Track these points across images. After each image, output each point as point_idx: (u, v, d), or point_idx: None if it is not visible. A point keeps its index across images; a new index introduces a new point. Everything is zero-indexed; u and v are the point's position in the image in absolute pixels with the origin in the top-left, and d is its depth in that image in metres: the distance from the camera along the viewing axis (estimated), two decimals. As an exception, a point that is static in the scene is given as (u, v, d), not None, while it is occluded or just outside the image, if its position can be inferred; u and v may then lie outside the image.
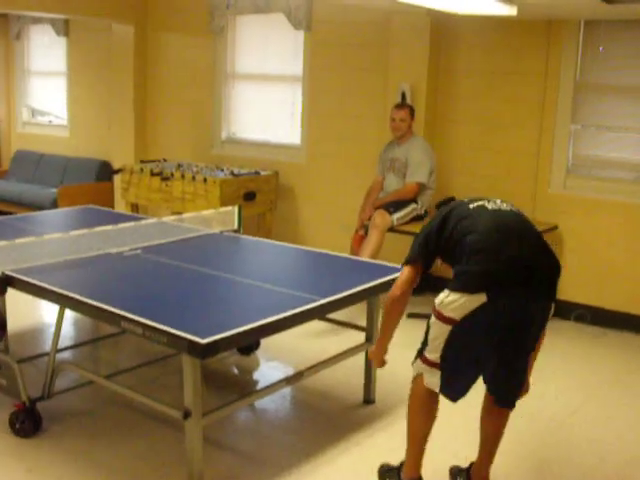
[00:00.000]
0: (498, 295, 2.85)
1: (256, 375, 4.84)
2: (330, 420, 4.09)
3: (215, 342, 2.91)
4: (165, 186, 6.87)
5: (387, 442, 3.75)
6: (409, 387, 3.15)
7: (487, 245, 2.93)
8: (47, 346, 4.04)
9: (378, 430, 3.92)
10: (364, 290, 3.77)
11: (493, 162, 6.20)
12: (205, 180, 6.57)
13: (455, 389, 3.03)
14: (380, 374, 4.17)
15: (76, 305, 3.50)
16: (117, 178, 7.74)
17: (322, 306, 3.46)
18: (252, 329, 3.10)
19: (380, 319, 3.36)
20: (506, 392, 3.13)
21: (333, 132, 6.97)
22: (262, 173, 7.04)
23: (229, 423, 4.00)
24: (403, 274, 3.15)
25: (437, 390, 3.03)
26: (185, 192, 6.72)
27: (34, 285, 3.65)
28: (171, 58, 8.09)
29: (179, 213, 5.86)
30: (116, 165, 7.94)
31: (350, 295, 3.66)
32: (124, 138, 8.36)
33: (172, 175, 6.85)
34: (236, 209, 4.94)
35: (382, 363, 3.42)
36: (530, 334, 3.01)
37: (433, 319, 2.98)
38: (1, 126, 10.06)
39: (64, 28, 9.08)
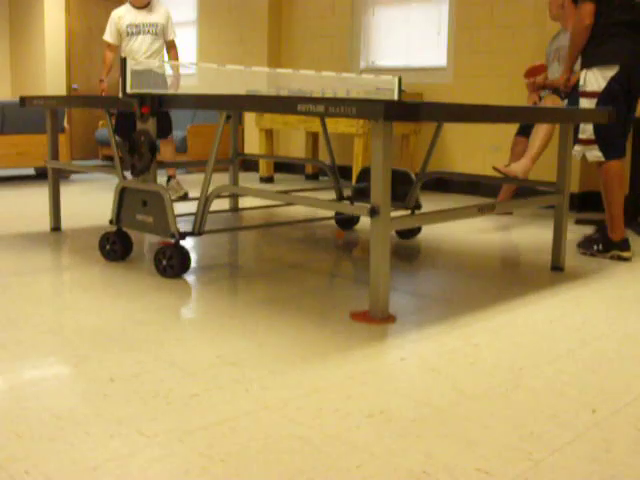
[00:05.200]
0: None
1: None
2: (516, 274, 3.74)
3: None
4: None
5: (573, 307, 3.06)
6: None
7: None
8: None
9: (566, 297, 3.21)
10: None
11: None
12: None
13: (617, 149, 3.70)
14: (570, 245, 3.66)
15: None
16: None
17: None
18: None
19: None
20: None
21: (483, 46, 6.41)
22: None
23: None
24: (585, 8, 3.55)
25: (603, 159, 3.68)
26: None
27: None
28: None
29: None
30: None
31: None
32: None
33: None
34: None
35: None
36: None
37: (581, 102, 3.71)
38: None
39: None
